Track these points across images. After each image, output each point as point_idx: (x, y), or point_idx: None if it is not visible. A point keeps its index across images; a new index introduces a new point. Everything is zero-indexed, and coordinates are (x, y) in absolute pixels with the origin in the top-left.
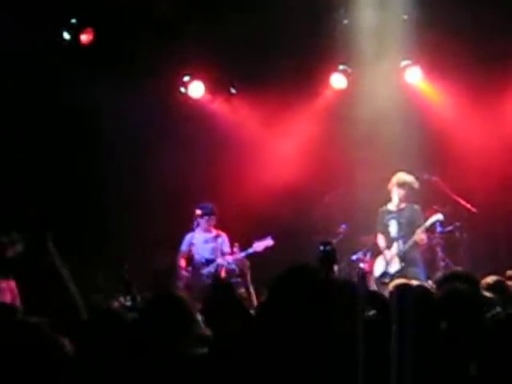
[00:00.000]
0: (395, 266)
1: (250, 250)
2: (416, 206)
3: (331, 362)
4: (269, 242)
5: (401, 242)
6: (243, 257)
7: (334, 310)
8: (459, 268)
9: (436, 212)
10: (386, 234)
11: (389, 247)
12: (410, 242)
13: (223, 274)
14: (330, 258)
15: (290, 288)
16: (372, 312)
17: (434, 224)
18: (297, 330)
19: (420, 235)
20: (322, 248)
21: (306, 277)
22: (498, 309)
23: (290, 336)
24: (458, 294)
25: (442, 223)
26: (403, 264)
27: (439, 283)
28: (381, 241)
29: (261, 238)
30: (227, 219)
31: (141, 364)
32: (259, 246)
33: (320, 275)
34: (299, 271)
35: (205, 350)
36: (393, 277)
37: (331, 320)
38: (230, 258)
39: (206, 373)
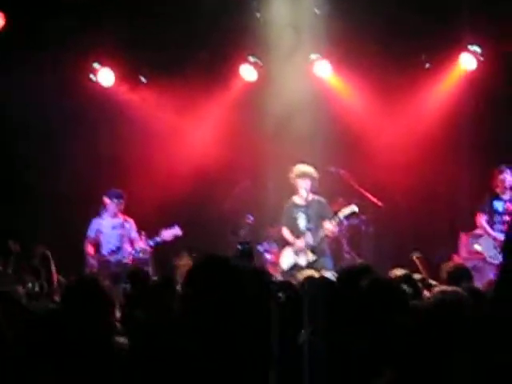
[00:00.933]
0: (306, 258)
1: (158, 239)
2: (322, 199)
3: (246, 347)
4: (177, 231)
5: (310, 234)
6: (150, 245)
7: (248, 297)
8: (362, 261)
9: (345, 205)
10: (294, 227)
11: (298, 239)
12: (322, 234)
13: (130, 262)
14: (248, 256)
15: (205, 277)
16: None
17: (349, 215)
18: (213, 317)
19: (331, 228)
20: (240, 247)
21: (221, 266)
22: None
23: (207, 324)
24: (383, 286)
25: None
26: (315, 256)
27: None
28: (287, 234)
29: (168, 226)
30: (135, 207)
31: (62, 351)
32: (167, 234)
33: (234, 264)
34: (213, 261)
35: (123, 339)
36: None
37: (246, 307)
38: (137, 247)
39: (130, 361)
